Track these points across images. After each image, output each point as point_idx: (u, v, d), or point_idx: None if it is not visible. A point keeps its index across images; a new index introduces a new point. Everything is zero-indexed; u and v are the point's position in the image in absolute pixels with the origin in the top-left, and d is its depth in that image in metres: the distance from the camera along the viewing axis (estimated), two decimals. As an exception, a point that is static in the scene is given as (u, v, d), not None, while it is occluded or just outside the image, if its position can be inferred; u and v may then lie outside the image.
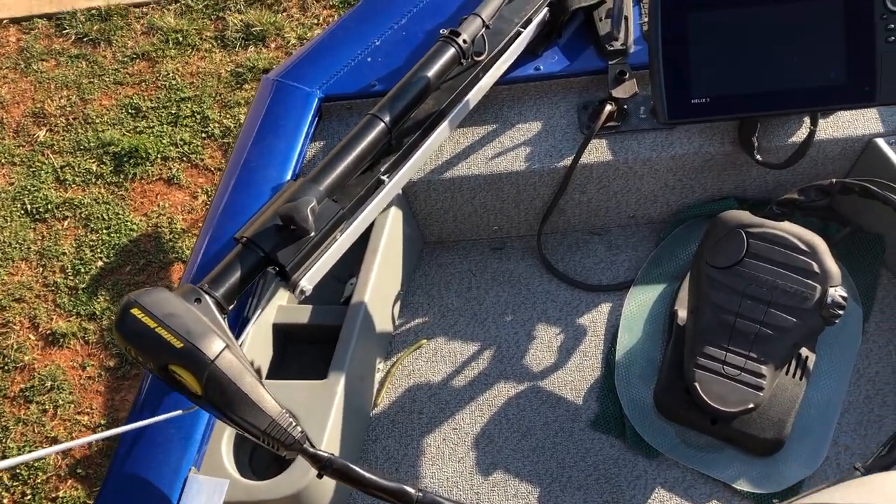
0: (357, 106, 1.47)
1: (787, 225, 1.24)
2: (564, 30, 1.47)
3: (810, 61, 1.19)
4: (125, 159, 2.72)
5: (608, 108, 1.37)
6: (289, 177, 1.35)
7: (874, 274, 1.39)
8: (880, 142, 1.35)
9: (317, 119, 1.45)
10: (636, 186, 1.44)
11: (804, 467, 1.24)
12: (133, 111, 2.86)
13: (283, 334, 1.35)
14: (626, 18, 1.46)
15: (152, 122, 2.82)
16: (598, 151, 1.40)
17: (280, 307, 1.35)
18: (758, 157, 1.35)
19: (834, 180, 1.33)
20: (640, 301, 1.41)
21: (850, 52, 1.18)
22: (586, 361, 1.37)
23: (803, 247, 1.21)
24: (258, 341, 1.28)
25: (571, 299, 1.45)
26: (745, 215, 1.26)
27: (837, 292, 1.18)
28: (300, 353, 1.37)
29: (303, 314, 1.34)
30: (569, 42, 1.47)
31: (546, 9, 1.42)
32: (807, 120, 1.35)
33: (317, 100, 1.45)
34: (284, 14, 3.03)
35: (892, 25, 1.17)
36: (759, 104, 1.23)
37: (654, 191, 1.45)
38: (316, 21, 3.00)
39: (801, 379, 1.24)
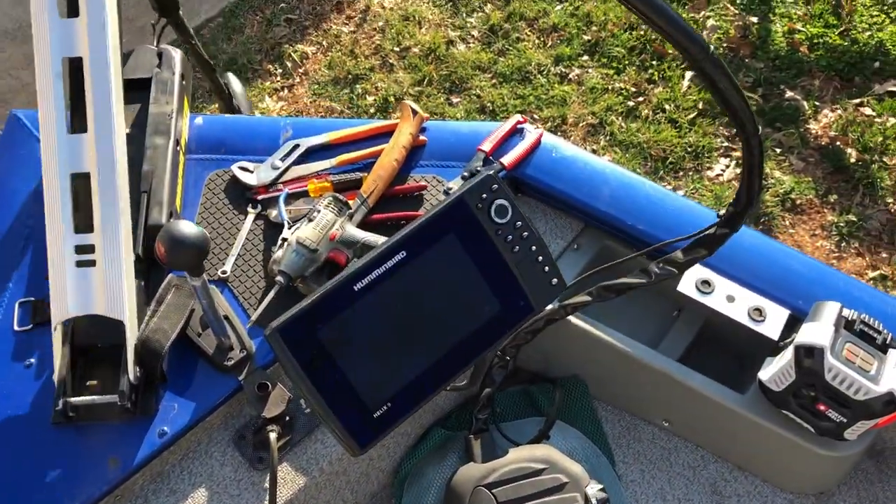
0: None
1: (512, 456, 1.16)
2: (163, 371, 1.17)
3: (462, 310, 1.07)
4: None
5: (272, 435, 1.12)
6: None
7: (592, 413, 1.36)
8: None
9: None
10: (344, 482, 1.22)
11: None
12: None
13: None
14: (228, 318, 1.20)
15: None
16: (287, 479, 1.15)
17: None
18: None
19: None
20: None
21: (490, 280, 1.08)
22: None
23: (539, 466, 1.14)
24: None
25: None
26: (473, 471, 1.14)
27: (594, 489, 1.12)
28: None
29: None
30: (180, 380, 1.17)
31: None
32: None
33: None
34: None
35: (510, 236, 1.09)
36: (438, 376, 1.07)
37: (364, 472, 1.25)
38: None
39: None
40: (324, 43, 3.03)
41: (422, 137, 1.38)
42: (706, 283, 1.23)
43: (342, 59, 2.95)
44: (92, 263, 1.11)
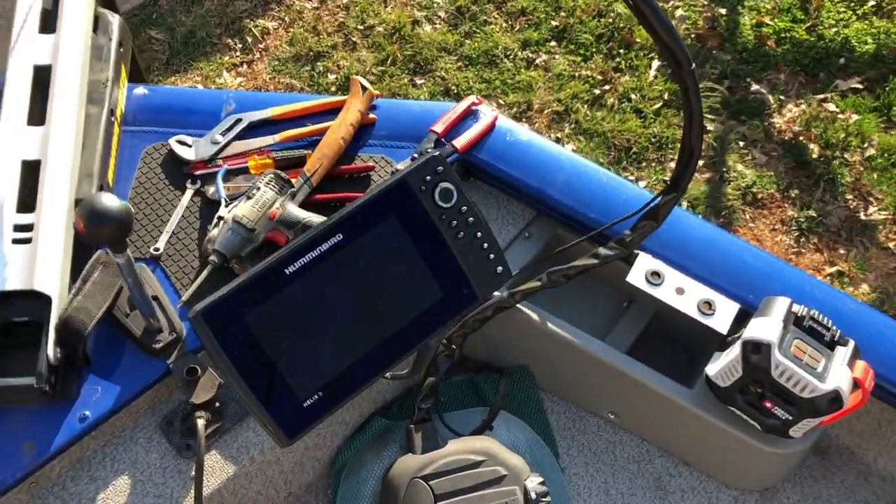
0: None
1: (451, 447, 1.13)
2: (86, 352, 1.11)
3: (401, 297, 1.02)
4: None
5: (200, 422, 1.07)
6: None
7: (538, 404, 1.33)
8: None
9: None
10: (277, 471, 1.18)
11: None
12: None
13: None
14: (158, 298, 1.14)
15: None
16: (216, 468, 1.10)
17: None
18: (387, 375, 1.17)
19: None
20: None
21: (432, 266, 1.03)
22: None
23: (478, 458, 1.11)
24: None
25: None
26: (410, 462, 1.11)
27: (533, 483, 1.09)
28: None
29: None
30: (105, 362, 1.11)
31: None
32: None
33: None
34: None
35: (455, 221, 1.04)
36: (373, 366, 1.02)
37: (298, 461, 1.20)
38: None
39: None
40: (286, 18, 2.95)
41: (371, 115, 1.33)
42: (656, 274, 1.20)
43: (304, 36, 2.88)
44: (28, 241, 1.08)
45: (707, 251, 1.23)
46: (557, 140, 2.80)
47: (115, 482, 1.07)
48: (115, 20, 1.30)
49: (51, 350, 1.05)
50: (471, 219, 1.05)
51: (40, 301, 1.07)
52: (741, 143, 2.76)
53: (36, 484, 1.06)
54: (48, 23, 1.23)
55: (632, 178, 2.73)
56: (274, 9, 2.98)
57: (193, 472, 1.07)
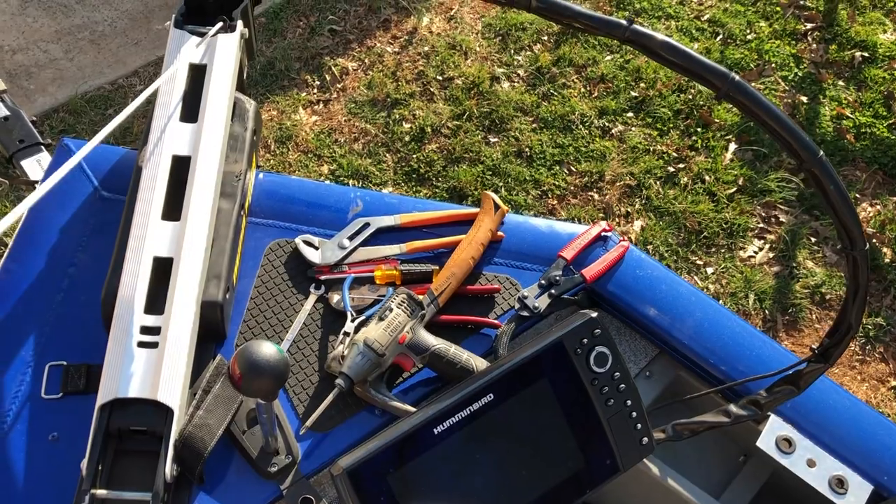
0: None
1: None
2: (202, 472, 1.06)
3: (543, 463, 0.98)
4: None
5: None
6: None
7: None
8: None
9: None
10: None
11: None
12: None
13: None
14: (278, 417, 1.09)
15: None
16: None
17: None
18: None
19: None
20: None
21: (578, 433, 0.99)
22: None
23: None
24: None
25: None
26: None
27: None
28: None
29: None
30: (217, 480, 1.07)
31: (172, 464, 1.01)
32: None
33: None
34: None
35: (606, 388, 1.00)
36: (509, 531, 0.98)
37: None
38: None
39: None
40: (366, 60, 2.92)
41: (499, 233, 1.28)
42: (787, 441, 1.15)
43: (383, 81, 2.84)
44: (154, 346, 1.04)
45: (841, 422, 1.18)
46: (627, 215, 2.76)
47: None
48: (251, 107, 1.26)
49: (168, 467, 1.00)
50: (622, 386, 1.00)
51: (160, 410, 1.03)
52: (813, 240, 2.71)
53: None
54: (189, 109, 1.18)
55: (700, 262, 2.68)
56: (355, 49, 2.94)
57: None
